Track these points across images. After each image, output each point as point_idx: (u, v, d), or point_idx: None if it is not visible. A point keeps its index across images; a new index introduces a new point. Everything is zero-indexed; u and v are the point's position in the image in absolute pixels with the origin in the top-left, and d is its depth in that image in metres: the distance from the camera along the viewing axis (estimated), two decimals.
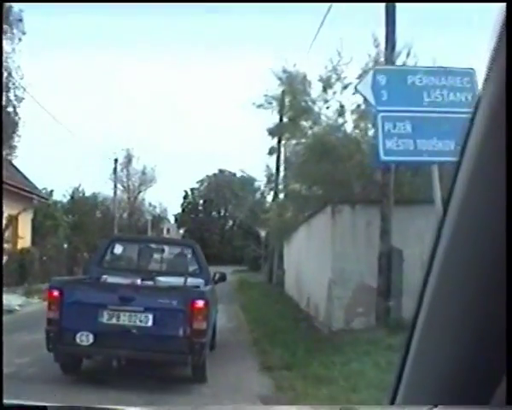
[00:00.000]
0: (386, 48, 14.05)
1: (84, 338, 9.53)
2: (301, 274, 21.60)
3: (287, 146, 17.80)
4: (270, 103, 17.34)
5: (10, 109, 45.63)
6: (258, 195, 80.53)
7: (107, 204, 63.79)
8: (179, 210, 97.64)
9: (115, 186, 55.77)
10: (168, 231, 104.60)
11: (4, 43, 41.61)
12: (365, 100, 11.76)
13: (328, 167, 14.94)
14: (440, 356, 1.43)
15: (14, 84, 44.70)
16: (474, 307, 1.31)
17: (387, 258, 13.78)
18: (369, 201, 15.20)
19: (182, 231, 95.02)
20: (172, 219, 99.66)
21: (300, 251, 20.45)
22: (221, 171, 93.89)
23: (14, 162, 39.77)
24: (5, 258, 26.97)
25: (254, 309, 21.59)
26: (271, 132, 17.93)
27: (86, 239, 46.14)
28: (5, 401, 1.78)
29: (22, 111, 35.12)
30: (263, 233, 49.54)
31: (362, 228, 14.78)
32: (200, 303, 9.81)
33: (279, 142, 24.78)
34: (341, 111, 16.44)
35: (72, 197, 59.09)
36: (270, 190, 30.13)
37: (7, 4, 28.96)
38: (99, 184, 74.17)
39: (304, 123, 16.36)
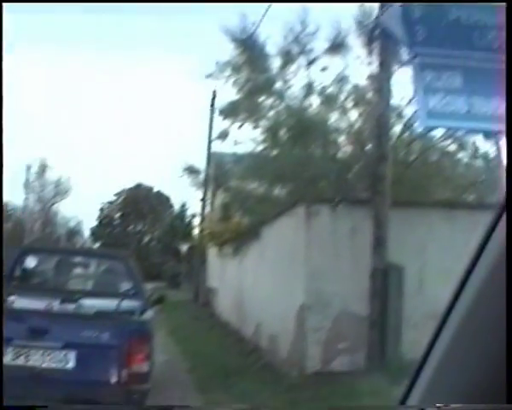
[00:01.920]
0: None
1: None
2: (247, 295, 17.56)
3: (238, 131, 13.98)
4: (222, 72, 13.53)
5: None
6: (177, 208, 78.58)
7: (17, 215, 60.33)
8: (95, 224, 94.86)
9: (27, 195, 51.52)
10: (83, 245, 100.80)
11: None
12: (389, 40, 8.16)
13: (299, 157, 11.37)
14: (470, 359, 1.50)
15: None
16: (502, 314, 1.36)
17: (383, 277, 10.27)
18: (356, 201, 11.59)
19: (97, 246, 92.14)
20: (87, 233, 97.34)
21: (247, 266, 16.50)
22: (139, 185, 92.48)
23: None
24: None
25: (187, 338, 17.76)
26: (223, 112, 13.91)
27: None
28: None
29: None
30: (184, 248, 46.65)
31: (346, 236, 11.07)
32: (140, 337, 7.54)
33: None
34: (309, 90, 13.01)
35: None
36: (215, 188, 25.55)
37: None
38: (8, 193, 70.34)
39: (266, 102, 12.80)
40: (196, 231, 43.37)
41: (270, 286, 14.07)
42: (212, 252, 29.30)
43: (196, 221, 60.99)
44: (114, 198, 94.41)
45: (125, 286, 9.73)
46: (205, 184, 30.14)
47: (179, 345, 16.59)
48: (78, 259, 11.64)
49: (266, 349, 14.00)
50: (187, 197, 74.99)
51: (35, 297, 8.73)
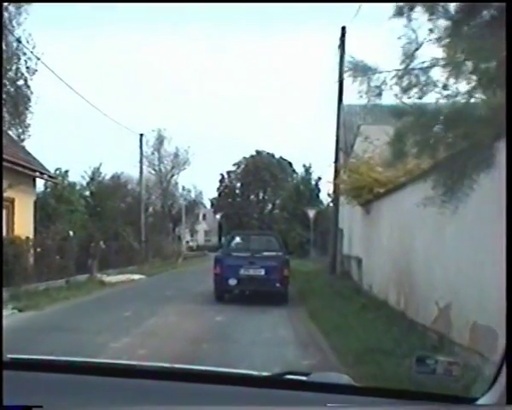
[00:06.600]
0: None
1: (232, 281, 19.91)
2: (418, 265, 12.62)
3: None
4: None
5: (21, 82, 38.59)
6: (301, 173, 75.25)
7: (133, 187, 58.38)
8: (215, 194, 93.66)
9: (141, 165, 48.51)
10: (204, 216, 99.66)
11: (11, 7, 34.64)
12: None
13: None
14: None
15: (25, 54, 37.44)
16: None
17: None
18: None
19: (218, 217, 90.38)
20: (208, 204, 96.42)
21: (414, 225, 11.87)
22: (258, 152, 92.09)
23: (26, 142, 33.20)
24: None
25: (336, 326, 13.18)
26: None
27: (105, 226, 39.08)
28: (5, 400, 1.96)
29: (35, 84, 29.70)
30: (311, 214, 42.71)
31: None
32: (285, 263, 20.40)
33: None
34: None
35: (91, 179, 51.95)
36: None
37: None
38: (125, 166, 68.93)
39: None
40: (325, 194, 39.54)
41: (462, 251, 9.49)
42: (350, 213, 24.91)
43: (323, 184, 56.22)
44: (234, 168, 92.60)
45: (276, 247, 21.61)
46: (337, 130, 26.32)
47: (328, 339, 12.11)
48: (255, 236, 25.68)
49: (464, 345, 9.43)
50: (311, 160, 70.85)
51: (241, 253, 21.00)
